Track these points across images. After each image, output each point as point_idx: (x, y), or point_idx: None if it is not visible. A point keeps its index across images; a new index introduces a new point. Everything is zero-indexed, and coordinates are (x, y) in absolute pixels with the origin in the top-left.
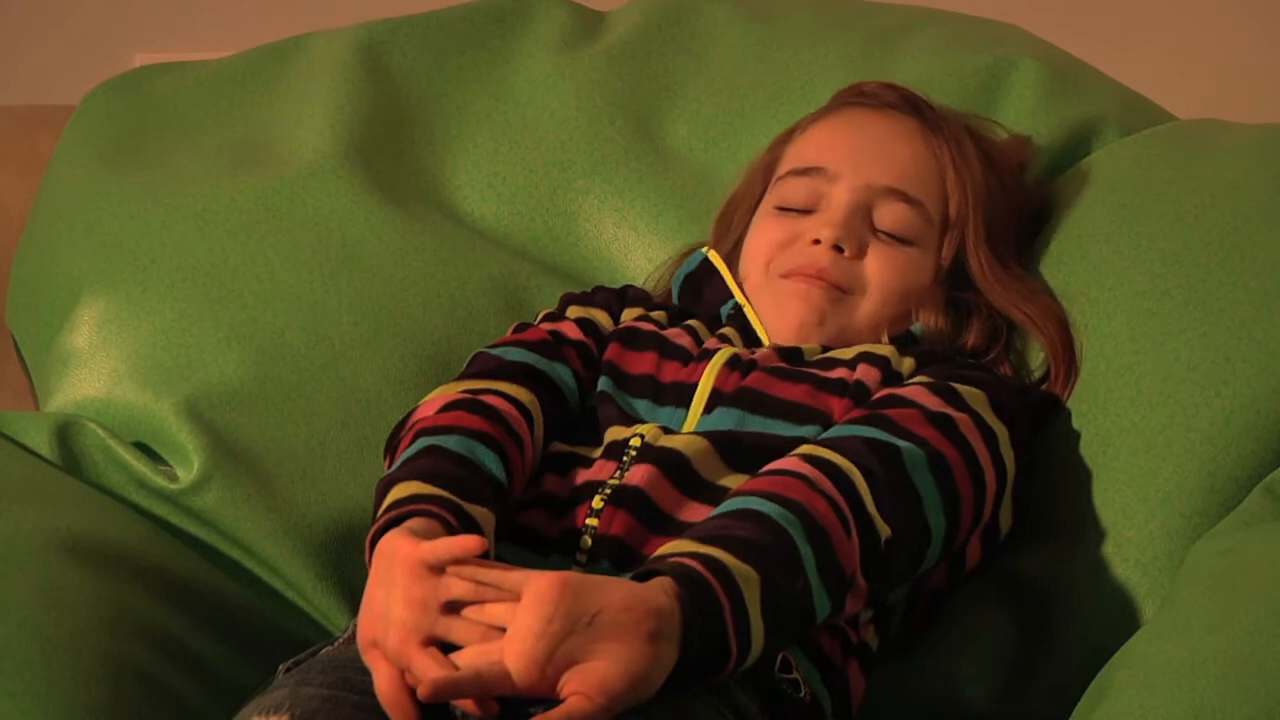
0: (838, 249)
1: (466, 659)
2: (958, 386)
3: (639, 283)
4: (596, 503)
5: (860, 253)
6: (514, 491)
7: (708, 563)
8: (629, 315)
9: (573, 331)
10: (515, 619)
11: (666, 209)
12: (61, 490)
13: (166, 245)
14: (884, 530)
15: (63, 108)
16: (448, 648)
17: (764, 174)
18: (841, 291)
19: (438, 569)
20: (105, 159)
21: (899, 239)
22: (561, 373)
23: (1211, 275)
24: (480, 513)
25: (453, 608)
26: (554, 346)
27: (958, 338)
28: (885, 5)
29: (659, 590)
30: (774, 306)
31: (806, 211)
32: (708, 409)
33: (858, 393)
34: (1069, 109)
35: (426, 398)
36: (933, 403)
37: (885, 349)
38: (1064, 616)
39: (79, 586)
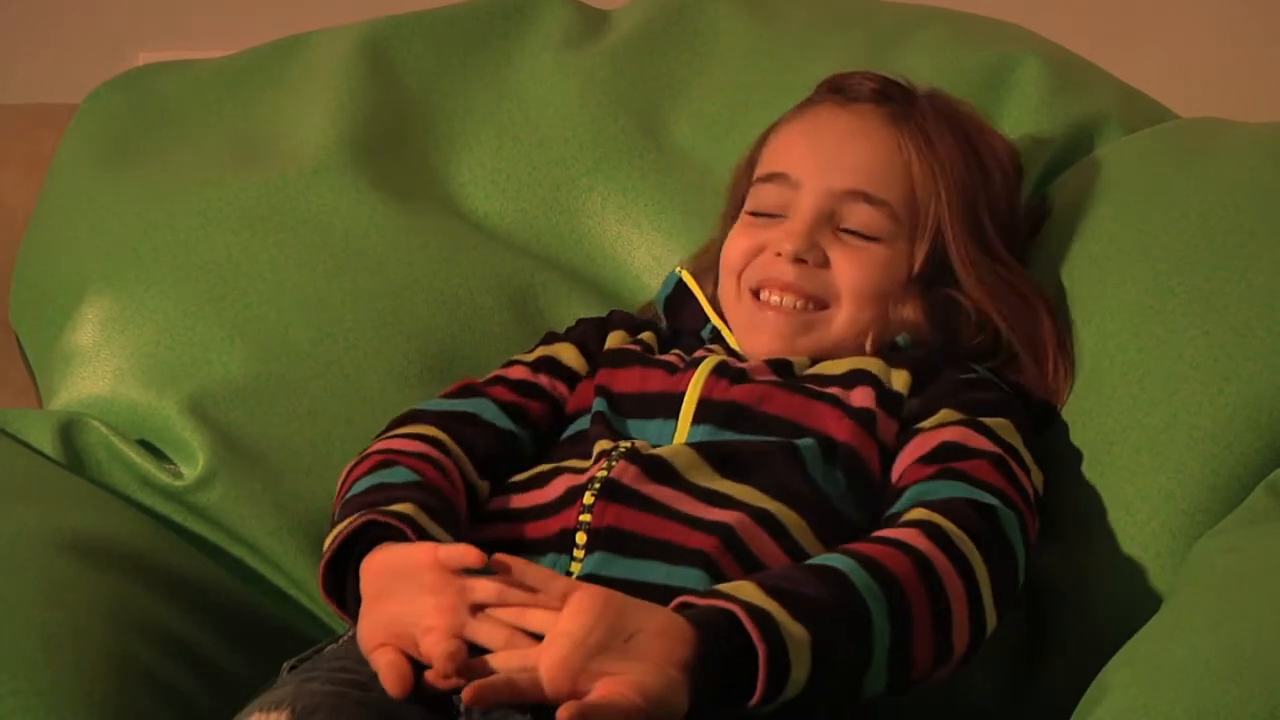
0: (801, 260)
1: (501, 661)
2: (988, 422)
3: (642, 281)
4: (587, 499)
5: (824, 261)
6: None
7: (758, 616)
8: (614, 339)
9: (516, 372)
10: (556, 625)
11: (670, 206)
12: (65, 488)
13: (170, 243)
14: (992, 620)
15: (66, 106)
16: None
17: (747, 174)
18: (814, 305)
19: (458, 572)
20: (108, 158)
21: (864, 237)
22: (482, 405)
23: (1215, 273)
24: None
25: (475, 610)
26: (477, 387)
27: (949, 338)
28: (888, 4)
29: (699, 628)
30: (747, 331)
31: (777, 217)
32: (696, 419)
33: (862, 417)
34: (1072, 107)
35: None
36: (984, 444)
37: (873, 364)
38: (1066, 614)
39: (82, 584)
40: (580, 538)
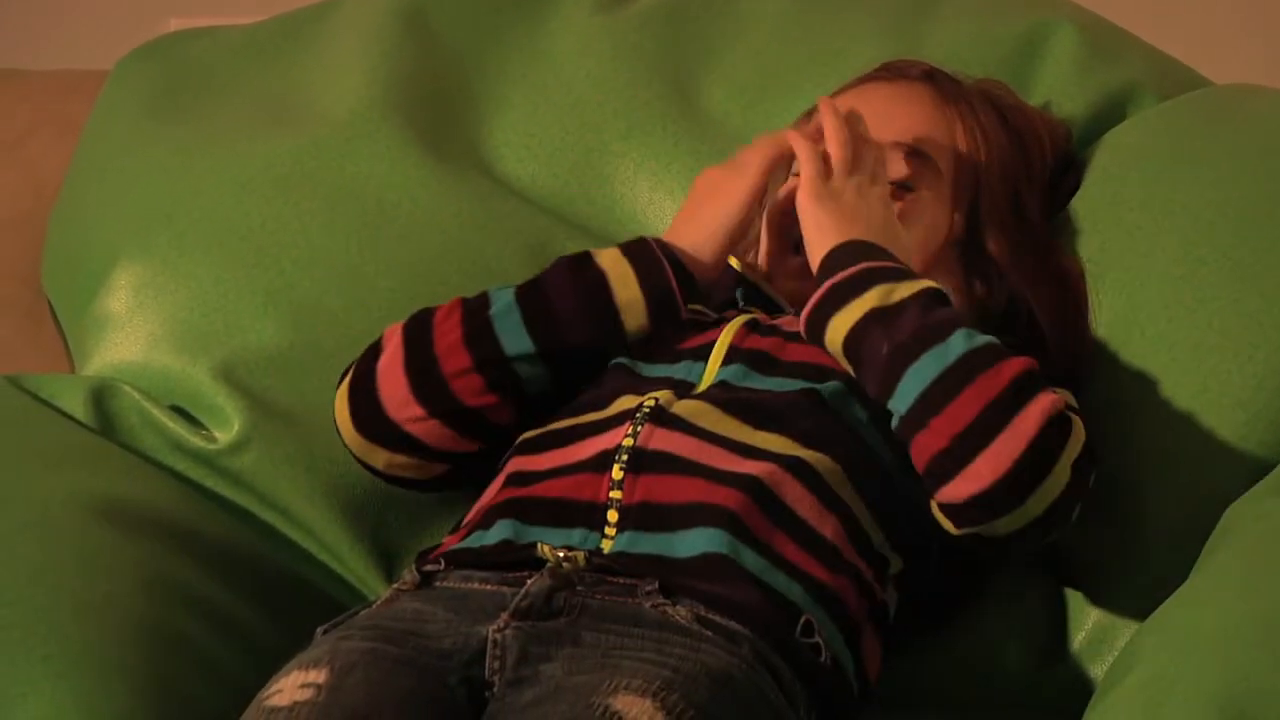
0: None
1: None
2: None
3: None
4: (616, 473)
5: None
6: None
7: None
8: None
9: None
10: None
11: None
12: (97, 454)
13: (203, 209)
14: (1062, 478)
15: (96, 73)
16: None
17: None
18: None
19: None
20: (141, 123)
21: (905, 188)
22: None
23: (1244, 241)
24: None
25: None
26: None
27: (986, 308)
28: None
29: None
30: (787, 278)
31: None
32: (726, 361)
33: None
34: (1105, 75)
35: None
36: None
37: None
38: (1097, 583)
39: (114, 550)
40: (612, 515)
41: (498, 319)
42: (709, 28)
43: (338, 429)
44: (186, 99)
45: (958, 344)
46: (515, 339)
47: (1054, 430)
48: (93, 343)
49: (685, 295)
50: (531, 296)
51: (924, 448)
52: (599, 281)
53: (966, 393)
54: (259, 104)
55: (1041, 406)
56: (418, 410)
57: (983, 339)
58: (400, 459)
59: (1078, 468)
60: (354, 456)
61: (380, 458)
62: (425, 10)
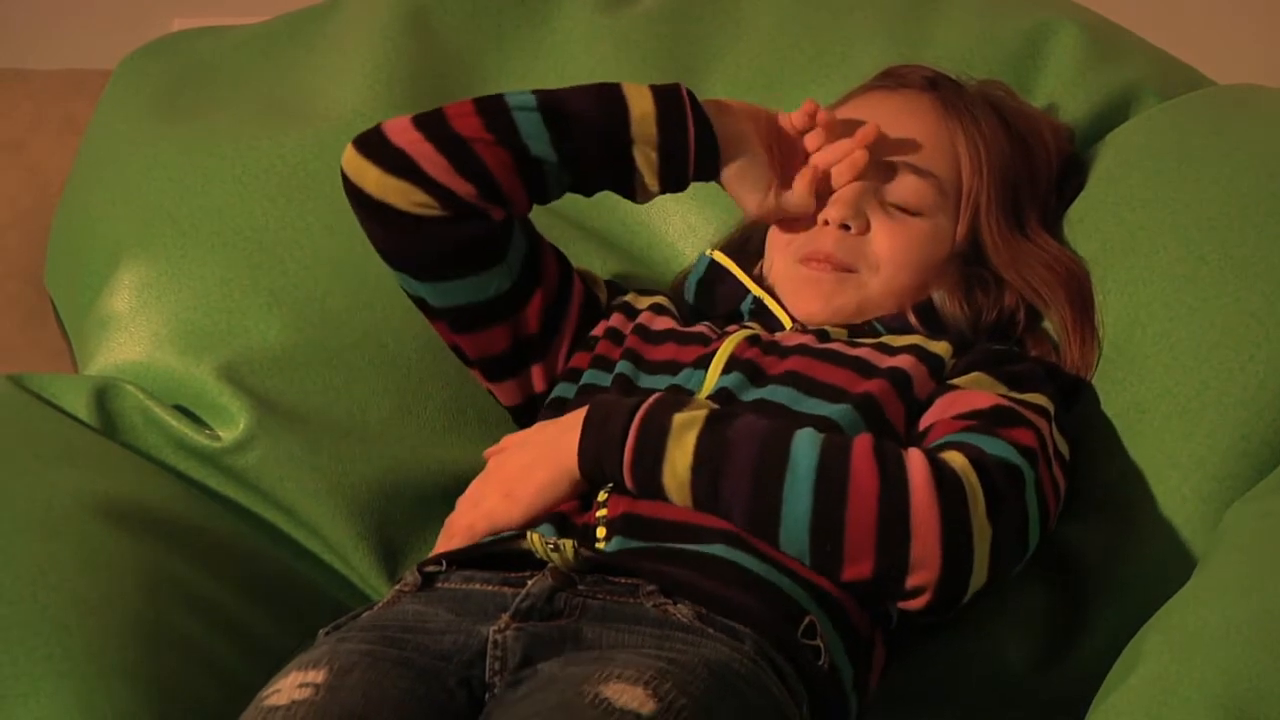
0: (844, 227)
1: None
2: (1024, 397)
3: (675, 249)
4: (601, 496)
5: (866, 229)
6: None
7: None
8: (639, 301)
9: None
10: None
11: None
12: (99, 453)
13: (206, 209)
14: (979, 572)
15: (100, 72)
16: None
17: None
18: (849, 271)
19: None
20: (144, 122)
21: (908, 210)
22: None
23: (1247, 240)
24: None
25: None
26: None
27: (982, 317)
28: None
29: None
30: (791, 292)
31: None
32: (725, 370)
33: (894, 375)
34: (1108, 74)
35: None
36: (1026, 412)
37: (915, 338)
38: (1099, 582)
39: (116, 549)
40: (601, 532)
41: (508, 92)
42: (710, 27)
43: (342, 169)
44: (189, 98)
45: (802, 461)
46: (519, 95)
47: (948, 496)
48: (96, 342)
49: (698, 123)
50: (546, 90)
51: (855, 583)
52: (611, 83)
53: (851, 509)
54: (262, 104)
55: (919, 470)
56: (415, 135)
57: (805, 450)
58: (392, 181)
59: (996, 517)
60: (346, 185)
61: (371, 175)
62: (428, 10)
